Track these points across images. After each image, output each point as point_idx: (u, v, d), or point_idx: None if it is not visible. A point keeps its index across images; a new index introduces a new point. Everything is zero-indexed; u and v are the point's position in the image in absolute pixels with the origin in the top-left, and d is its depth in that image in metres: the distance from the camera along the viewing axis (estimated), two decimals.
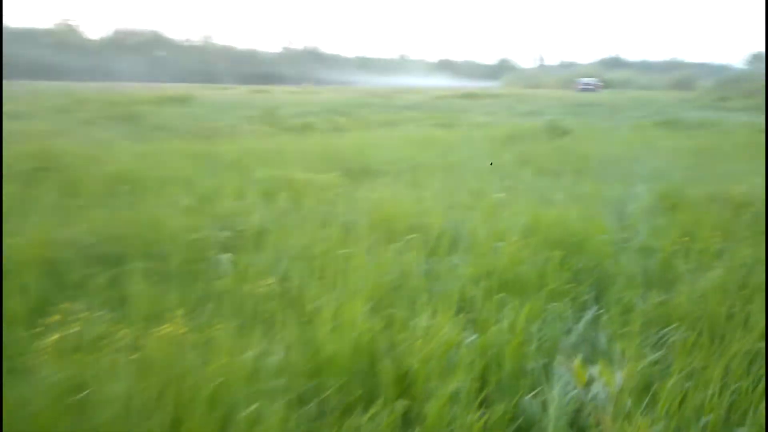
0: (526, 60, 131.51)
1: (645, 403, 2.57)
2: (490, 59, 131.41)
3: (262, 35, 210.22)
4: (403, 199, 5.98)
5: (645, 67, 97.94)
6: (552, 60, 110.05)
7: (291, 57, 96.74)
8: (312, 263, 4.11)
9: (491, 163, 8.52)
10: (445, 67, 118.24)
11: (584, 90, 55.39)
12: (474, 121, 16.94)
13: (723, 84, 44.56)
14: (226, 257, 4.19)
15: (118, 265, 3.96)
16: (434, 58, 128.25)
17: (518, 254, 4.31)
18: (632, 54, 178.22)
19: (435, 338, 2.96)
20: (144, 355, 2.73)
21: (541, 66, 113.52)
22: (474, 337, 3.14)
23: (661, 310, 3.59)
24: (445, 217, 5.28)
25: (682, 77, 72.05)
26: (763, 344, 3.01)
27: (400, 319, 3.31)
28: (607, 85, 62.90)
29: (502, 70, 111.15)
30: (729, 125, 14.85)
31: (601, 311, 3.68)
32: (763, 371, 2.82)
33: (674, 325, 3.36)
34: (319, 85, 59.50)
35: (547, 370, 2.86)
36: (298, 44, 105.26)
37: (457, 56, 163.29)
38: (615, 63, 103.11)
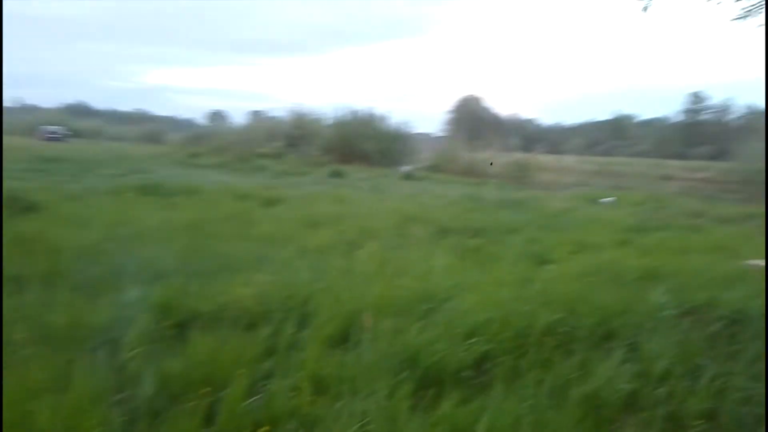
0: None
1: None
2: None
3: None
4: None
5: (113, 116, 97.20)
6: (11, 101, 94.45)
7: None
8: None
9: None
10: None
11: (50, 139, 51.32)
12: None
13: (191, 140, 47.72)
14: None
15: None
16: None
17: None
18: (100, 102, 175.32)
19: None
20: None
21: None
22: None
23: None
24: None
25: (151, 130, 74.54)
26: None
27: None
28: (75, 134, 59.55)
29: None
30: (209, 191, 14.85)
31: None
32: None
33: None
34: None
35: None
36: None
37: None
38: (82, 110, 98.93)
